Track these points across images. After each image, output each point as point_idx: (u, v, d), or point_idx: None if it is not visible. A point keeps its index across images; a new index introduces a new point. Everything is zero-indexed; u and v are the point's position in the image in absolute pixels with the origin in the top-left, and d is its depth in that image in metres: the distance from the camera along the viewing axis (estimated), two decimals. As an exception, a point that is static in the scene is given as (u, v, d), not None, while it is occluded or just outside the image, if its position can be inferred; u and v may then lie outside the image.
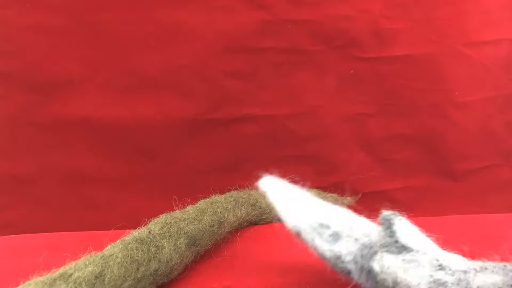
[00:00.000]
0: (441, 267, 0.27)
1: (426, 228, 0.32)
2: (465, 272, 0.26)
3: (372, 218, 0.34)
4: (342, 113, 0.72)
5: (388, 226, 0.30)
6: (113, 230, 0.45)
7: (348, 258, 0.30)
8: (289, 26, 0.69)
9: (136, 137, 0.69)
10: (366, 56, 0.71)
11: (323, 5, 0.69)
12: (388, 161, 0.74)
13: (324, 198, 0.60)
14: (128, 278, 0.33)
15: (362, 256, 0.30)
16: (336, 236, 0.31)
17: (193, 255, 0.41)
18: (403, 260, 0.28)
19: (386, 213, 0.31)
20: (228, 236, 0.48)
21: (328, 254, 0.31)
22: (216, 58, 0.69)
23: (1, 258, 0.46)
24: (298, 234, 0.33)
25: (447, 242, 0.32)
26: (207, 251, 0.44)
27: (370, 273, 0.29)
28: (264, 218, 0.54)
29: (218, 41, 0.68)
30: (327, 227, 0.32)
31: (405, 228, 0.30)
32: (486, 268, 0.26)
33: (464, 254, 0.31)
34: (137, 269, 0.34)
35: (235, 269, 0.41)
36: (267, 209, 0.54)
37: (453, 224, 0.57)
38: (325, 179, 0.72)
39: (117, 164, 0.69)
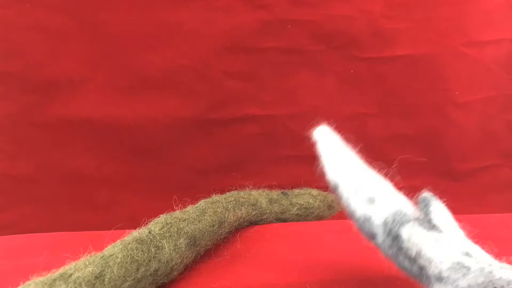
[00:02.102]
0: (467, 254, 0.28)
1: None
2: (489, 264, 0.27)
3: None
4: (342, 113, 0.72)
5: (425, 205, 0.31)
6: (113, 230, 0.45)
7: (378, 222, 0.30)
8: (289, 26, 0.69)
9: (136, 137, 0.69)
10: (366, 56, 0.71)
11: (323, 5, 0.69)
12: (388, 161, 0.74)
13: (324, 198, 0.60)
14: (128, 278, 0.33)
15: (394, 220, 0.30)
16: (371, 200, 0.32)
17: (193, 255, 0.41)
18: (432, 236, 0.29)
19: (426, 193, 0.32)
20: (228, 236, 0.48)
21: (358, 213, 0.32)
22: (216, 58, 0.69)
23: (1, 258, 0.46)
24: (335, 187, 0.34)
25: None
26: (207, 251, 0.44)
27: (396, 239, 0.29)
28: (264, 218, 0.54)
29: (218, 41, 0.68)
30: (366, 189, 0.32)
31: (440, 211, 0.31)
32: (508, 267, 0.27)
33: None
34: (137, 269, 0.34)
35: (235, 269, 0.41)
36: (267, 209, 0.54)
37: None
38: (325, 179, 0.72)
39: (117, 164, 0.69)
